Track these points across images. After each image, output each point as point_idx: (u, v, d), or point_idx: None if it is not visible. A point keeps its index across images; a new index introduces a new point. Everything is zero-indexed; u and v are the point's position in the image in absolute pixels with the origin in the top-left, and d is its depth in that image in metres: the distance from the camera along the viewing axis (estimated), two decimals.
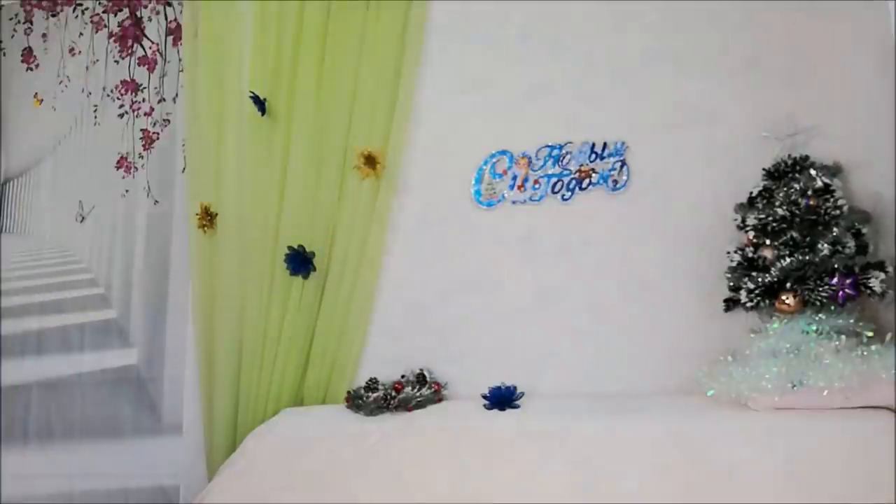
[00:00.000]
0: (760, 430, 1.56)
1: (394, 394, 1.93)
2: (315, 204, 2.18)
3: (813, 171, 1.72)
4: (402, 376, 2.04)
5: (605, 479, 1.58)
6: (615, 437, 1.64)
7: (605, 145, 2.02)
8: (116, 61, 2.77)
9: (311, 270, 2.15)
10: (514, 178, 2.09)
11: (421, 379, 2.03)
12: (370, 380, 2.02)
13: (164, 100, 2.64)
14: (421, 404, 1.94)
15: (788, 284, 1.67)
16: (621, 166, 2.00)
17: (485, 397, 1.90)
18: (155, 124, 2.64)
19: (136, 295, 2.60)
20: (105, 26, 2.81)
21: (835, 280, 1.63)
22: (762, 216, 1.73)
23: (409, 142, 2.18)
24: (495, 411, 1.87)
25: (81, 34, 2.86)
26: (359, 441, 1.80)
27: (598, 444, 1.64)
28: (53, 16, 2.94)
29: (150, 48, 2.69)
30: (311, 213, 2.18)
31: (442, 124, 2.18)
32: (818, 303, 1.64)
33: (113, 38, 2.79)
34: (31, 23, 2.98)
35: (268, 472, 1.82)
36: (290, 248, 2.14)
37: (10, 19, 3.02)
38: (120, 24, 2.77)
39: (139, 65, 2.71)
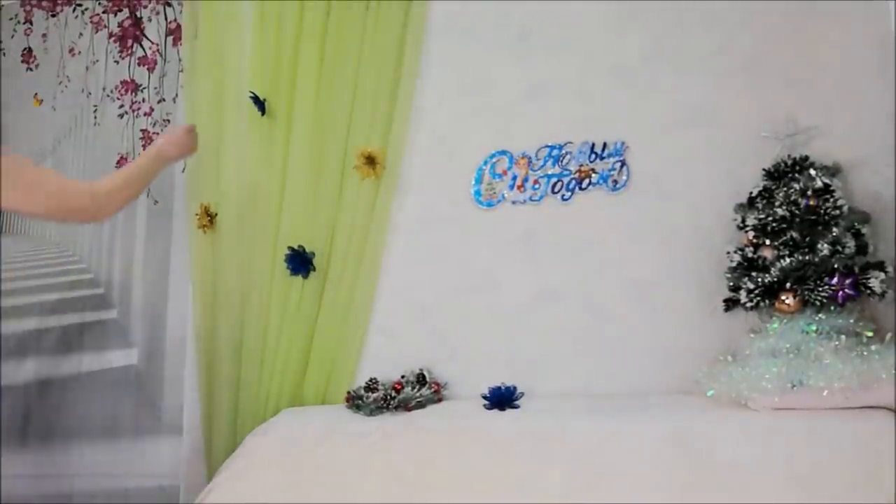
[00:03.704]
0: (760, 430, 1.56)
1: (394, 394, 1.93)
2: (315, 204, 2.18)
3: (813, 171, 1.71)
4: (402, 376, 2.04)
5: (605, 479, 1.58)
6: (615, 437, 1.64)
7: (605, 145, 2.02)
8: (116, 61, 2.77)
9: (311, 270, 2.15)
10: (514, 178, 2.09)
11: (421, 379, 2.03)
12: (370, 380, 2.02)
13: (164, 100, 2.64)
14: (421, 404, 1.94)
15: (788, 284, 1.67)
16: (621, 166, 2.00)
17: (485, 397, 1.90)
18: (155, 124, 2.64)
19: (136, 295, 2.60)
20: (105, 26, 2.81)
21: (835, 280, 1.63)
22: (762, 216, 1.73)
23: (409, 142, 2.18)
24: (495, 411, 1.87)
25: (81, 34, 2.86)
26: (359, 441, 1.80)
27: (598, 444, 1.64)
28: (53, 16, 2.94)
29: (150, 48, 2.69)
30: (311, 213, 2.18)
31: (442, 124, 2.18)
32: (818, 303, 1.64)
33: (113, 39, 2.79)
34: (31, 23, 2.98)
35: (268, 472, 1.82)
36: (290, 248, 2.14)
37: (10, 19, 3.02)
38: (120, 25, 2.78)
39: (139, 65, 2.71)
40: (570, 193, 2.04)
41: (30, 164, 1.73)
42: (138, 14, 2.74)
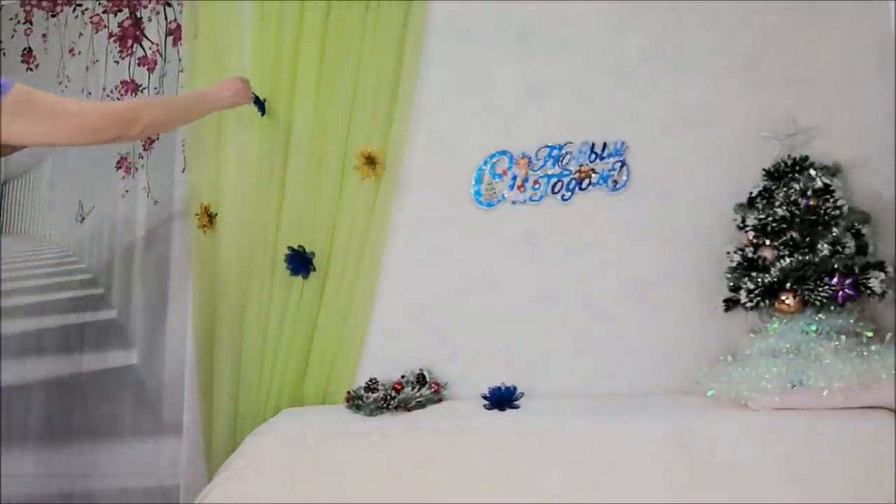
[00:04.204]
0: (760, 430, 1.56)
1: (394, 394, 1.93)
2: (315, 204, 2.18)
3: (813, 171, 1.72)
4: (402, 376, 2.04)
5: (605, 479, 1.58)
6: (615, 437, 1.64)
7: (605, 145, 2.02)
8: (116, 62, 2.77)
9: (311, 270, 2.15)
10: (514, 178, 2.09)
11: (421, 379, 2.03)
12: (370, 380, 2.02)
13: None
14: (421, 404, 1.94)
15: (788, 284, 1.67)
16: (621, 166, 2.00)
17: (485, 397, 1.90)
18: None
19: (136, 295, 2.60)
20: (105, 27, 2.82)
21: (835, 280, 1.63)
22: (762, 216, 1.73)
23: (409, 142, 2.18)
24: (495, 411, 1.87)
25: (81, 34, 2.86)
26: (359, 441, 1.80)
27: (598, 444, 1.64)
28: (53, 16, 2.94)
29: (150, 48, 2.69)
30: (311, 213, 2.18)
31: (442, 124, 2.18)
32: (818, 303, 1.64)
33: (113, 39, 2.79)
34: (31, 23, 2.98)
35: (268, 472, 1.82)
36: (290, 248, 2.14)
37: (10, 19, 3.02)
38: (120, 25, 2.78)
39: (139, 65, 2.71)
40: (570, 193, 2.04)
41: (42, 92, 1.63)
42: (138, 14, 2.74)
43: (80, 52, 2.86)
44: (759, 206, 1.77)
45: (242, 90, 2.11)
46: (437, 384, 2.02)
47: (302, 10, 2.25)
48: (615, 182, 2.00)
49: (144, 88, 2.68)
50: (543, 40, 2.12)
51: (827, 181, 1.69)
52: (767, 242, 1.73)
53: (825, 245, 1.65)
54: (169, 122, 1.94)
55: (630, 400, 1.81)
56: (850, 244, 1.65)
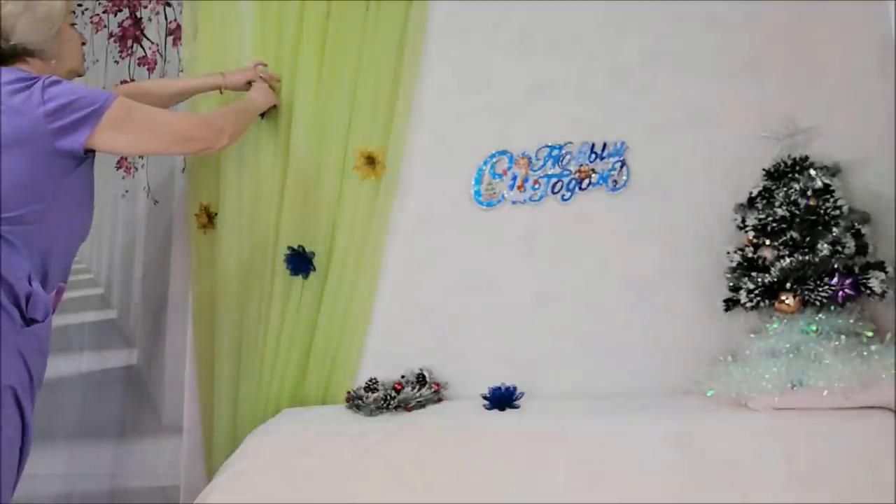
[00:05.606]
0: (760, 430, 1.57)
1: (394, 394, 1.94)
2: (315, 204, 2.18)
3: (813, 172, 1.72)
4: (402, 376, 2.04)
5: (605, 479, 1.58)
6: (615, 438, 1.64)
7: (605, 145, 2.02)
8: (116, 62, 2.76)
9: (311, 270, 2.15)
10: (514, 178, 2.09)
11: (421, 379, 2.03)
12: (370, 380, 2.02)
13: None
14: (421, 404, 1.94)
15: (788, 284, 1.67)
16: (621, 166, 2.00)
17: (485, 397, 1.90)
18: None
19: (136, 295, 2.60)
20: (105, 27, 2.81)
21: (835, 280, 1.63)
22: (762, 216, 1.73)
23: (409, 142, 2.18)
24: (495, 411, 1.87)
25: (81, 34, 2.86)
26: (359, 441, 1.80)
27: (598, 445, 1.64)
28: None
29: (150, 48, 2.69)
30: (311, 213, 2.18)
31: (442, 124, 2.18)
32: (818, 303, 1.65)
33: (113, 39, 2.79)
34: None
35: (268, 472, 1.82)
36: (290, 248, 2.14)
37: None
38: (120, 25, 2.78)
39: (139, 65, 2.71)
40: (570, 193, 2.04)
41: (137, 104, 1.71)
42: (138, 14, 2.74)
43: None
44: (759, 206, 1.77)
45: (271, 92, 2.18)
46: (437, 384, 2.02)
47: (302, 9, 2.25)
48: (615, 182, 2.00)
49: None
50: (543, 40, 2.12)
51: (827, 181, 1.70)
52: (767, 242, 1.73)
53: (825, 245, 1.65)
54: (242, 130, 1.99)
55: (630, 400, 1.81)
56: (850, 244, 1.65)
